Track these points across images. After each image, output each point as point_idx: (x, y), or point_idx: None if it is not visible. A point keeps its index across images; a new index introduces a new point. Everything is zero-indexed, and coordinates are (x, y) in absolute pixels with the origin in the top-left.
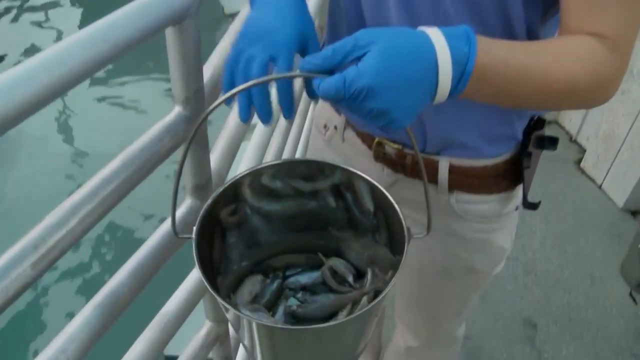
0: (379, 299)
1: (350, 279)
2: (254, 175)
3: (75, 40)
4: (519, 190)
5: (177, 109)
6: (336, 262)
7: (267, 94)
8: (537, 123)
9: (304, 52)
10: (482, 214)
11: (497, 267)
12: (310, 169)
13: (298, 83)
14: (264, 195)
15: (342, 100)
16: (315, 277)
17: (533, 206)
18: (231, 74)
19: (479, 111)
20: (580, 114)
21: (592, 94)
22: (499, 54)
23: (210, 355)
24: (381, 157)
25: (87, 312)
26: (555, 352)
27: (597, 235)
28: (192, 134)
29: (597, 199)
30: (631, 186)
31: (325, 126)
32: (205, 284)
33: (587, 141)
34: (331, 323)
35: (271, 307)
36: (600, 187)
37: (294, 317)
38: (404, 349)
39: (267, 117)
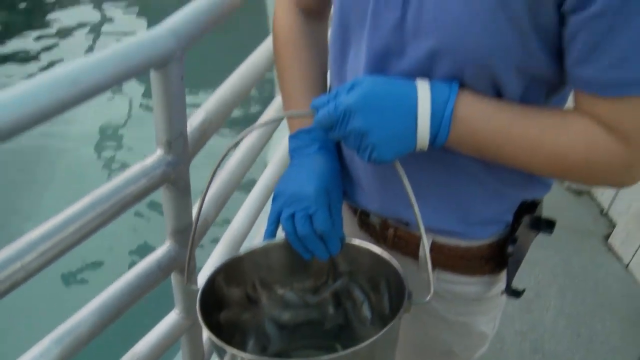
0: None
1: None
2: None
3: (59, 76)
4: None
5: (158, 152)
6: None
7: (319, 242)
8: (530, 205)
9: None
10: (464, 296)
11: (478, 351)
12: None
13: None
14: (280, 304)
15: (334, 126)
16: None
17: (516, 294)
18: (274, 227)
19: (462, 196)
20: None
21: (586, 174)
22: (483, 108)
23: None
24: (365, 226)
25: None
26: None
27: (617, 320)
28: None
29: (621, 280)
30: None
31: None
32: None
33: (618, 216)
34: None
35: None
36: (627, 267)
37: None
38: None
39: (324, 256)
